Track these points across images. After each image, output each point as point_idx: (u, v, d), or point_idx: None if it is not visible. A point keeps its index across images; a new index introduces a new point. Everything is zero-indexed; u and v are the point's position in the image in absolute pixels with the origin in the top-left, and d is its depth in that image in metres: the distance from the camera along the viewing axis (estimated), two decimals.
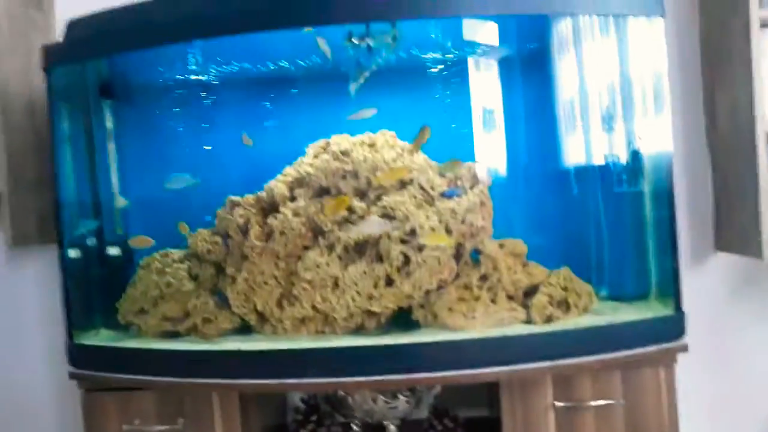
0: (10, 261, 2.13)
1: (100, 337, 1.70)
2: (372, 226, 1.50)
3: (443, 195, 1.56)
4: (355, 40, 1.47)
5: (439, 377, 1.42)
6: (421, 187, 1.56)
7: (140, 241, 1.64)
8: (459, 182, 1.59)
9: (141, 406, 1.57)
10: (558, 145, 1.71)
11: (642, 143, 1.61)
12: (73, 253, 1.70)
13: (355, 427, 1.77)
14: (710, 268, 1.91)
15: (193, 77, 1.69)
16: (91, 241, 1.75)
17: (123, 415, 1.58)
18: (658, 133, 1.55)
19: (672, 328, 1.46)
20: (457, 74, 1.63)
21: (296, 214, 1.58)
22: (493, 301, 1.53)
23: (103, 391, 1.59)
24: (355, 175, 1.59)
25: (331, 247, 1.56)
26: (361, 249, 1.57)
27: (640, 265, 1.61)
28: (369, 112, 1.54)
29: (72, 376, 1.61)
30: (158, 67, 1.69)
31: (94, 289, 1.78)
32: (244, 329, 1.61)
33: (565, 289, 1.54)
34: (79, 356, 1.63)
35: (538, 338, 1.42)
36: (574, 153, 1.71)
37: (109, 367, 1.57)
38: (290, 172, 1.65)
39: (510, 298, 1.55)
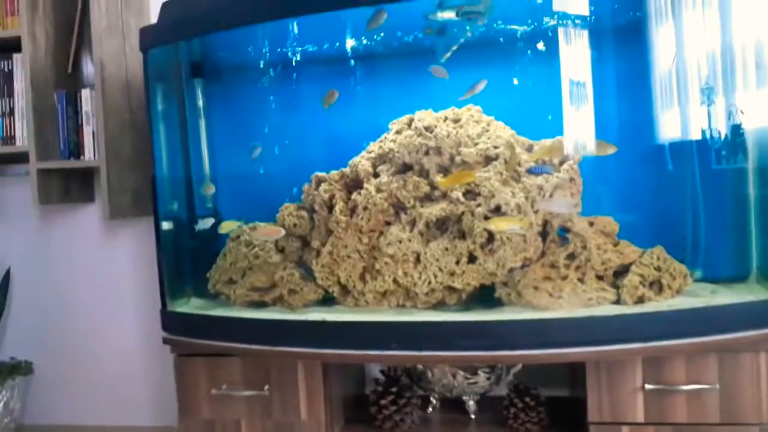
0: (107, 233, 2.27)
1: (191, 306, 1.78)
2: (561, 206, 1.48)
3: (529, 171, 1.53)
4: (444, 14, 1.45)
5: (523, 356, 1.40)
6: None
7: (269, 231, 1.66)
8: (547, 158, 1.54)
9: (229, 372, 1.65)
10: (653, 118, 1.63)
11: (744, 117, 1.52)
12: (167, 225, 1.78)
13: (434, 401, 1.78)
14: None
15: (281, 56, 1.72)
16: (184, 215, 1.83)
17: (212, 380, 1.66)
18: (765, 106, 1.45)
19: None
20: (547, 45, 1.58)
21: (379, 189, 1.59)
22: (581, 280, 1.49)
23: (194, 357, 1.68)
24: (438, 151, 1.58)
25: (413, 223, 1.57)
26: (442, 225, 1.56)
27: (740, 246, 1.52)
28: (480, 86, 1.51)
29: (165, 341, 1.70)
30: (248, 46, 1.73)
31: (185, 260, 1.86)
32: (328, 301, 1.65)
33: (658, 269, 1.47)
34: (172, 323, 1.72)
35: (629, 319, 1.37)
36: (670, 127, 1.62)
37: (200, 333, 1.64)
38: (374, 148, 1.66)
39: (599, 278, 1.50)
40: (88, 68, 2.17)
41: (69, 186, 2.16)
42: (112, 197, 2.01)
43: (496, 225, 1.46)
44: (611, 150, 1.45)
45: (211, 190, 1.78)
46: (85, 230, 2.28)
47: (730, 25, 1.51)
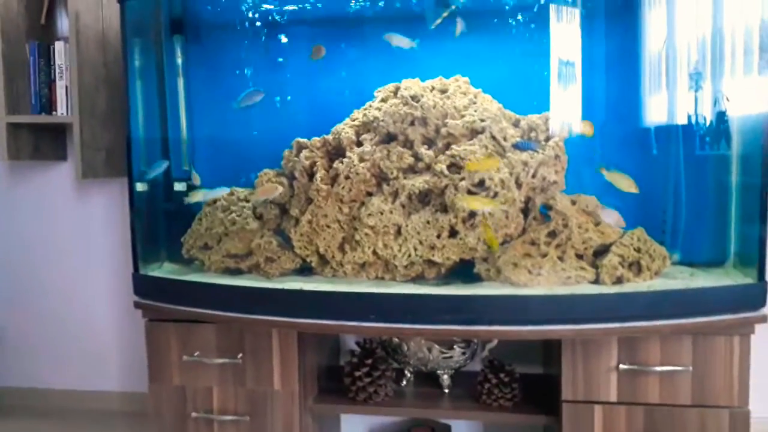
0: (79, 192, 2.21)
1: (164, 270, 1.74)
2: (610, 217, 1.46)
3: (515, 146, 1.51)
4: None
5: (500, 331, 1.40)
6: (493, 137, 1.51)
7: (267, 190, 1.61)
8: (534, 134, 1.52)
9: (202, 338, 1.62)
10: (640, 101, 1.61)
11: (729, 104, 1.51)
12: (141, 187, 1.72)
13: (408, 374, 1.78)
14: None
15: (264, 15, 1.66)
16: (159, 177, 1.77)
17: (184, 347, 1.63)
18: (754, 94, 1.44)
19: (752, 297, 1.38)
20: (538, 21, 1.54)
21: (362, 159, 1.55)
22: (560, 258, 1.48)
23: (166, 322, 1.64)
24: (424, 121, 1.54)
25: (395, 195, 1.54)
26: (425, 198, 1.54)
27: (719, 231, 1.53)
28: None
29: (137, 305, 1.66)
30: (230, 3, 1.66)
31: (159, 224, 1.82)
32: (305, 270, 1.62)
33: (638, 250, 1.47)
34: (144, 287, 1.68)
35: (607, 299, 1.37)
36: (656, 111, 1.61)
37: (173, 298, 1.61)
38: (358, 116, 1.62)
39: (579, 257, 1.49)
40: (63, 20, 2.08)
41: (40, 142, 2.08)
42: (85, 156, 1.95)
43: (469, 203, 1.44)
44: (589, 130, 1.44)
45: (197, 180, 1.70)
46: (56, 189, 2.21)
47: (721, 10, 1.49)
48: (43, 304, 2.24)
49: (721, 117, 1.53)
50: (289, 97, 1.69)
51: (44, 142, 2.10)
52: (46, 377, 2.27)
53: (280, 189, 1.59)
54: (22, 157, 2.01)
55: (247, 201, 1.65)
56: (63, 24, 2.08)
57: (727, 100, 1.52)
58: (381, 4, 1.62)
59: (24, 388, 2.28)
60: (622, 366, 1.43)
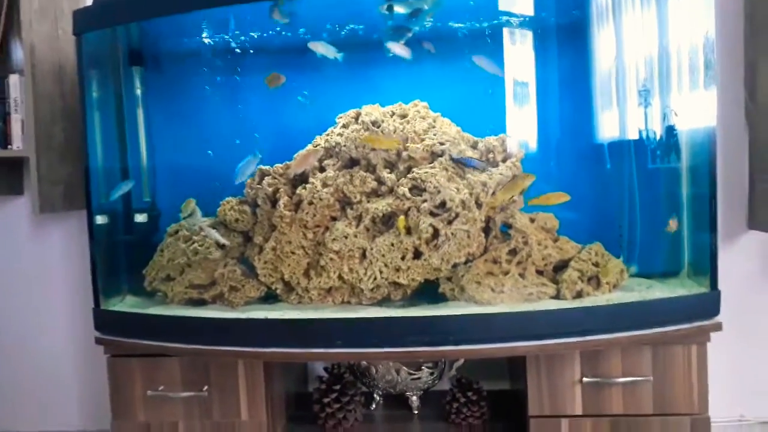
0: (37, 227, 2.15)
1: (126, 304, 1.71)
2: None
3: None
4: (389, 8, 1.43)
5: (466, 350, 1.41)
6: (452, 159, 1.54)
7: (306, 156, 1.55)
8: (491, 155, 1.56)
9: (166, 372, 1.59)
10: (592, 118, 1.67)
11: (678, 119, 1.58)
12: (101, 219, 1.70)
13: (377, 397, 1.77)
14: (742, 247, 1.88)
15: (223, 44, 1.67)
16: (119, 208, 1.75)
17: (148, 381, 1.59)
18: (701, 108, 1.51)
19: (706, 306, 1.44)
20: (491, 43, 1.59)
21: (325, 184, 1.56)
22: (522, 275, 1.51)
23: (129, 357, 1.61)
24: None
25: (359, 219, 1.55)
26: (389, 221, 1.55)
27: (673, 242, 1.58)
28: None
29: (98, 341, 1.62)
30: (188, 34, 1.67)
31: (120, 256, 1.78)
32: (270, 298, 1.61)
33: (596, 264, 1.51)
34: (106, 322, 1.64)
35: (568, 314, 1.40)
36: (608, 127, 1.67)
37: (135, 333, 1.58)
38: (320, 142, 1.63)
39: (540, 273, 1.53)
40: (17, 52, 2.05)
41: None
42: (42, 190, 1.90)
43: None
44: (564, 199, 1.50)
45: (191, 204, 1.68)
46: (13, 224, 2.15)
47: (666, 29, 1.56)
48: (0, 343, 2.17)
49: (670, 131, 1.59)
50: (249, 126, 1.70)
51: (0, 176, 2.05)
52: (4, 420, 2.18)
53: (321, 151, 1.55)
54: None
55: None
56: (17, 56, 2.05)
57: (675, 114, 1.58)
58: (341, 32, 1.65)
59: None
60: (585, 379, 1.46)
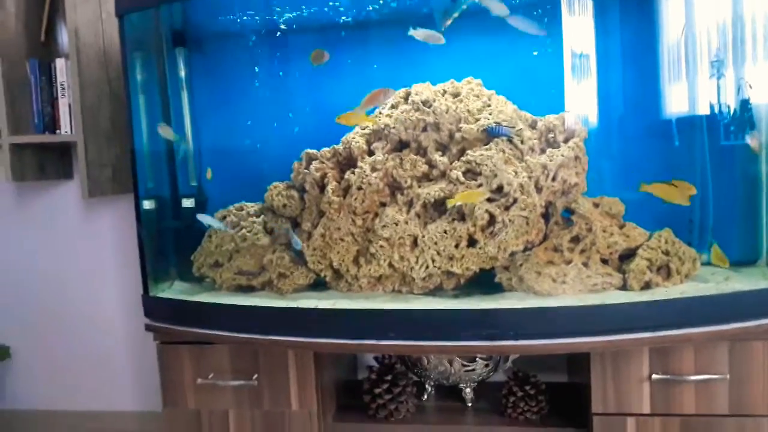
0: (87, 211, 2.17)
1: (175, 290, 1.70)
2: None
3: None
4: None
5: (526, 346, 1.33)
6: (510, 140, 1.44)
7: (374, 96, 1.43)
8: (551, 135, 1.46)
9: (216, 360, 1.57)
10: (660, 93, 1.54)
11: (753, 92, 1.44)
12: (148, 204, 1.68)
13: (429, 388, 1.72)
14: None
15: (268, 23, 1.60)
16: (166, 193, 1.73)
17: (198, 369, 1.58)
18: None
19: None
20: (550, 15, 1.48)
21: (374, 168, 1.50)
22: (585, 264, 1.41)
23: (179, 344, 1.59)
24: (437, 127, 1.48)
25: (409, 204, 1.48)
26: (441, 207, 1.48)
27: (750, 228, 1.46)
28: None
29: (148, 328, 1.61)
30: (232, 13, 1.61)
31: (168, 242, 1.77)
32: (319, 285, 1.57)
33: (666, 253, 1.40)
34: (155, 309, 1.63)
35: (637, 308, 1.30)
36: (677, 102, 1.54)
37: (185, 320, 1.56)
38: (368, 124, 1.56)
39: (604, 261, 1.43)
40: (63, 36, 2.04)
41: (44, 162, 2.04)
42: (90, 174, 1.90)
43: (459, 198, 1.39)
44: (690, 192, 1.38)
45: (209, 175, 1.65)
46: (62, 209, 2.17)
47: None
48: (54, 327, 2.21)
49: (744, 105, 1.46)
50: (296, 108, 1.64)
51: (49, 161, 2.06)
52: (59, 400, 2.23)
53: (392, 91, 1.45)
54: (28, 177, 1.97)
55: (258, 216, 1.60)
56: (63, 40, 2.04)
57: (750, 87, 1.45)
58: (387, 6, 1.56)
59: (36, 410, 2.24)
60: (654, 376, 1.36)
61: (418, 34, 1.40)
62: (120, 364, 2.19)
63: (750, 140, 1.40)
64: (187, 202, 1.73)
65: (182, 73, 1.73)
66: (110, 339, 2.18)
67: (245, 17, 1.61)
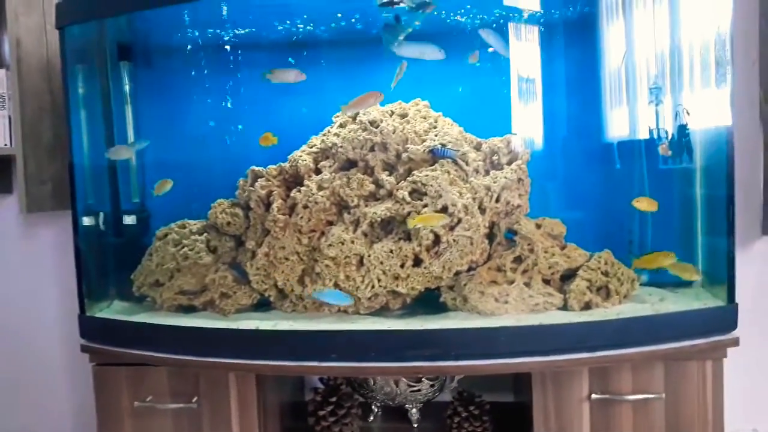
0: (25, 227, 2.08)
1: (114, 309, 1.64)
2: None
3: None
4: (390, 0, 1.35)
5: (468, 366, 1.33)
6: (455, 162, 1.46)
7: (363, 99, 1.43)
8: (495, 157, 1.48)
9: (154, 382, 1.52)
10: (601, 117, 1.59)
11: (690, 118, 1.49)
12: (88, 220, 1.63)
13: (375, 409, 1.70)
14: (757, 253, 1.79)
15: (215, 39, 1.59)
16: (107, 209, 1.68)
17: (135, 391, 1.52)
18: (714, 107, 1.43)
19: (723, 320, 1.35)
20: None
21: (321, 187, 1.49)
22: (527, 284, 1.43)
23: (116, 366, 1.53)
24: (384, 147, 1.49)
25: (356, 223, 1.48)
26: (387, 226, 1.48)
27: (687, 249, 1.50)
28: (401, 69, 1.41)
29: (84, 349, 1.55)
30: (177, 27, 1.59)
31: (109, 259, 1.71)
32: (263, 305, 1.54)
33: (606, 274, 1.44)
34: (91, 329, 1.57)
35: (577, 328, 1.32)
36: (618, 126, 1.59)
37: (122, 341, 1.51)
38: (316, 142, 1.55)
39: (546, 282, 1.45)
40: (3, 47, 1.98)
41: None
42: (30, 188, 1.84)
43: (418, 221, 1.39)
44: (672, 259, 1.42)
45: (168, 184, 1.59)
46: (1, 224, 2.08)
47: (678, 25, 1.48)
48: None
49: (682, 130, 1.51)
50: (242, 125, 1.62)
51: None
52: None
53: (381, 96, 1.42)
54: None
55: (200, 234, 1.57)
56: (4, 51, 1.98)
57: (688, 113, 1.50)
58: (337, 26, 1.57)
59: None
60: (594, 396, 1.38)
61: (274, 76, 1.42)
62: (57, 387, 2.10)
63: (660, 148, 1.46)
64: (129, 219, 1.68)
65: (126, 87, 1.69)
66: (48, 361, 2.09)
67: (189, 32, 1.59)
